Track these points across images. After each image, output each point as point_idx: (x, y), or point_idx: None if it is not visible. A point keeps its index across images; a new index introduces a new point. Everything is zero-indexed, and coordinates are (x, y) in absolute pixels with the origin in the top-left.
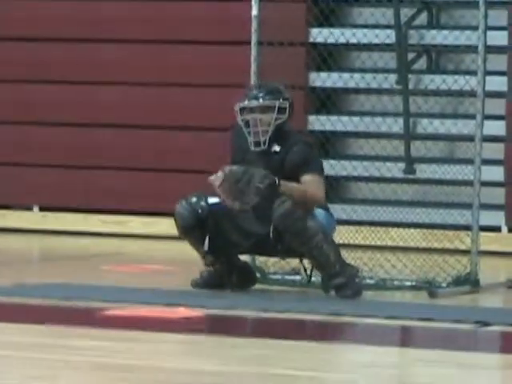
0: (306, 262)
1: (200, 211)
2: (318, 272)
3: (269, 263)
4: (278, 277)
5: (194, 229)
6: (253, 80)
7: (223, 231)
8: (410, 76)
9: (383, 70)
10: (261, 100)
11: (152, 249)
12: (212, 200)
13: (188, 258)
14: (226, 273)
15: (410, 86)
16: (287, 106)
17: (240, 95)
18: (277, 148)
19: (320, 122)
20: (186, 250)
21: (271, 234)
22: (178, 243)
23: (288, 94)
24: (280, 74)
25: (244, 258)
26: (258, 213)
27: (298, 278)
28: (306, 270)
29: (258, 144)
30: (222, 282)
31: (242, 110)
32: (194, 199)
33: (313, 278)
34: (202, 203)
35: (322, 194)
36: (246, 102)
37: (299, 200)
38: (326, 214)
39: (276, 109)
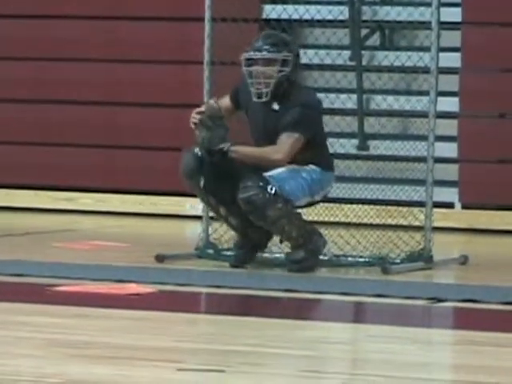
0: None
1: (200, 154)
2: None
3: (223, 239)
4: (232, 253)
5: (199, 171)
6: (206, 56)
7: (222, 172)
8: (363, 52)
9: (336, 46)
10: (264, 52)
11: (104, 225)
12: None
13: (140, 235)
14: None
15: (364, 63)
16: (291, 58)
17: (193, 71)
18: (276, 106)
19: None
20: (137, 226)
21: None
22: (129, 219)
23: (295, 46)
24: (234, 50)
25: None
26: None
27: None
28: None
29: (259, 95)
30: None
31: (247, 60)
32: (196, 148)
33: (266, 254)
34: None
35: (282, 154)
36: (251, 53)
37: (253, 163)
38: (321, 172)
39: (279, 61)
